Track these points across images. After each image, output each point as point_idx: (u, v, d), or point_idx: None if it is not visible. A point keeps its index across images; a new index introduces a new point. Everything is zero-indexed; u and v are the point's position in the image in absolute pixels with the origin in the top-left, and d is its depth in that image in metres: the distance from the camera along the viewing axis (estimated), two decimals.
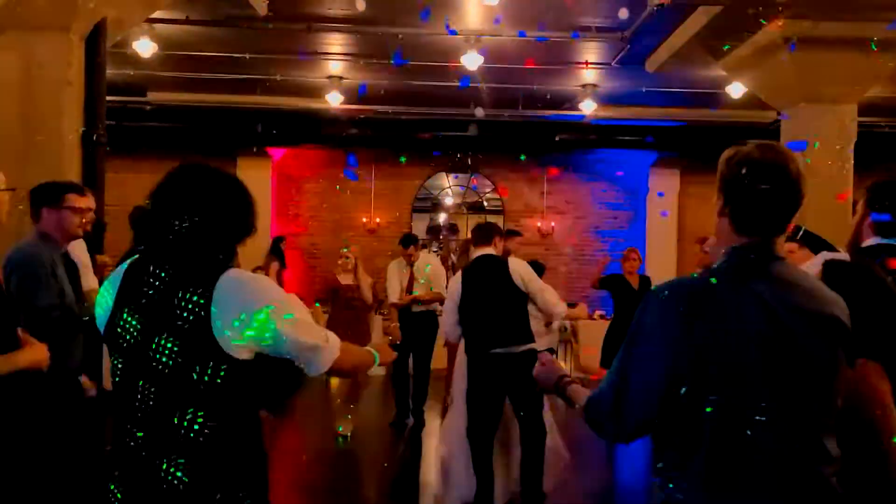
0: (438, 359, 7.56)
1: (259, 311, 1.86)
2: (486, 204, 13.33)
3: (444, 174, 13.17)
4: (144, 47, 7.59)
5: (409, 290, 7.51)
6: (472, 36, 7.77)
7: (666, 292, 1.79)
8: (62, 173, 4.88)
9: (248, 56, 8.54)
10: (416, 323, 7.41)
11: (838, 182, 7.06)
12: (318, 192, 12.74)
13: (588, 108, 10.02)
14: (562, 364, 9.89)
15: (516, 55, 8.37)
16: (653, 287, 1.92)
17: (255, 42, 8.18)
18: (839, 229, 6.78)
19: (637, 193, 12.99)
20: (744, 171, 1.81)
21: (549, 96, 10.05)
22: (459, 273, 5.27)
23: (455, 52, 8.09)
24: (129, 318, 1.93)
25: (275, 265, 7.97)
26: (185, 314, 1.86)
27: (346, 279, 7.20)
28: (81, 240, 4.00)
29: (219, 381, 1.88)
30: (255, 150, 11.64)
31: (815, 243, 3.58)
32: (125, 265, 2.01)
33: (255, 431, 1.99)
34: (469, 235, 6.04)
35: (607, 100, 10.38)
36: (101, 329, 2.00)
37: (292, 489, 5.54)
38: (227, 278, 1.90)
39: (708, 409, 1.70)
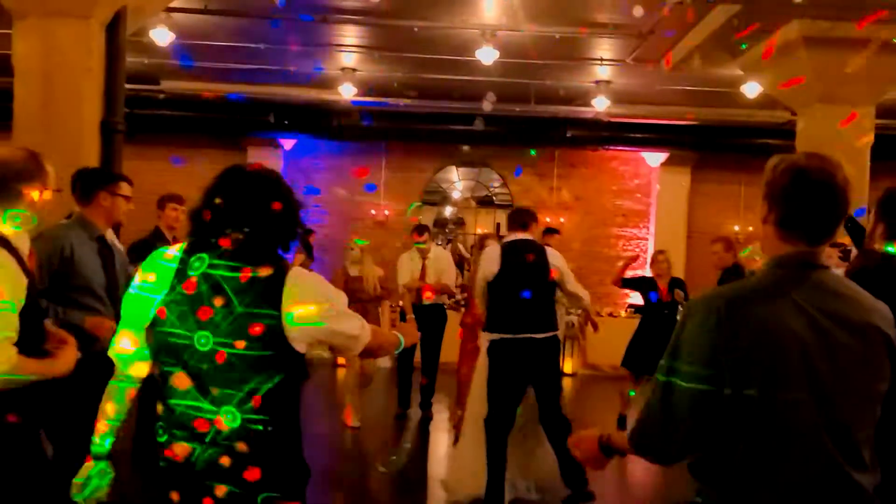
0: (445, 352, 7.61)
1: (317, 305, 2.00)
2: (495, 198, 13.33)
3: (453, 167, 13.16)
4: (161, 36, 7.59)
5: (423, 277, 7.53)
6: (487, 30, 7.76)
7: (707, 303, 1.80)
8: (81, 160, 4.89)
9: (262, 46, 8.54)
10: (425, 315, 7.41)
11: (854, 185, 7.04)
12: (328, 184, 12.74)
13: (601, 104, 10.00)
14: (568, 360, 9.87)
15: (531, 50, 8.36)
16: (690, 298, 1.94)
17: (270, 33, 8.17)
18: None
19: (647, 191, 12.98)
20: (790, 178, 1.81)
21: (561, 92, 10.04)
22: (494, 250, 5.13)
23: (470, 46, 8.09)
24: (188, 315, 2.00)
25: (300, 257, 7.96)
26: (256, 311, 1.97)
27: (354, 270, 7.20)
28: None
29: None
30: (265, 140, 11.67)
31: (858, 235, 3.55)
32: (178, 257, 2.07)
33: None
34: (478, 230, 6.04)
35: (620, 97, 10.36)
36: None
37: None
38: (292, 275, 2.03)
39: (747, 414, 1.72)
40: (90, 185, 3.71)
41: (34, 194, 2.53)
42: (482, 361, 5.29)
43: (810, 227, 1.81)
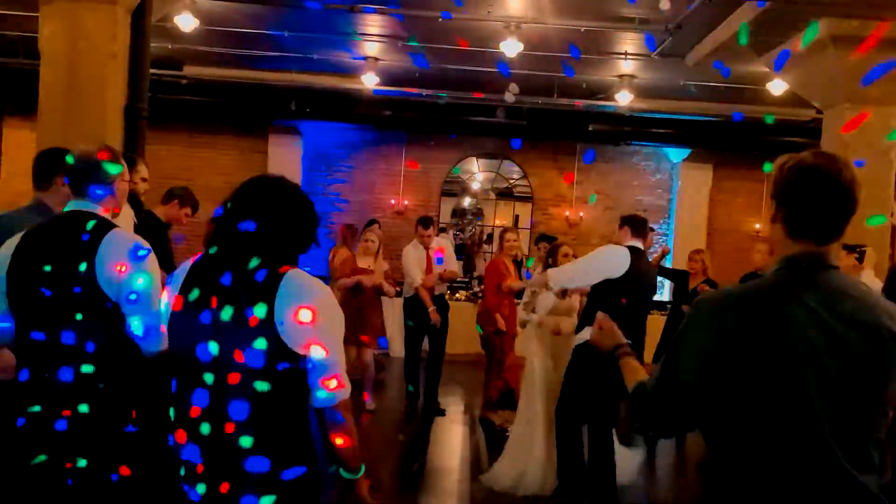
0: (451, 344, 7.63)
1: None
2: (514, 191, 13.30)
3: (473, 159, 13.14)
4: (186, 22, 7.61)
5: (429, 270, 7.44)
6: (512, 22, 7.72)
7: (714, 299, 1.84)
8: None
9: (286, 34, 8.55)
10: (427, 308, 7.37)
11: (880, 184, 6.97)
12: (348, 172, 12.77)
13: (624, 99, 9.94)
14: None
15: (555, 43, 8.32)
16: (700, 294, 1.95)
17: (295, 20, 8.19)
18: (878, 232, 6.74)
19: (668, 187, 12.90)
20: (797, 176, 1.82)
21: (585, 85, 9.98)
22: (623, 251, 4.83)
23: (494, 39, 8.05)
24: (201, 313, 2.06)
25: (343, 251, 7.99)
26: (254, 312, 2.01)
27: (364, 262, 7.14)
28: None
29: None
30: (286, 126, 11.70)
31: None
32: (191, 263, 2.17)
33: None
34: (497, 222, 6.02)
35: (644, 92, 10.29)
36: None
37: None
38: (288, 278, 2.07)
39: (751, 415, 1.73)
40: (48, 168, 3.27)
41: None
42: (533, 365, 5.34)
43: (817, 226, 1.81)
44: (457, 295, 10.67)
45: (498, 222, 13.33)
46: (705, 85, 9.69)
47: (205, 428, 2.01)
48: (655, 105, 10.91)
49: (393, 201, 12.72)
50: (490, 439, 6.55)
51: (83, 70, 5.20)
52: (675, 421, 1.85)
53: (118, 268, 2.47)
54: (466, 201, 13.59)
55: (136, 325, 2.48)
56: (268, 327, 1.98)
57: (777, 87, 8.78)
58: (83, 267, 2.45)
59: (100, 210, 2.62)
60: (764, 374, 1.71)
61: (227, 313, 2.00)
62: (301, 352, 2.02)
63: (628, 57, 8.96)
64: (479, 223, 13.57)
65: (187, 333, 2.05)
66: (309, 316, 1.99)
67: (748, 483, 1.75)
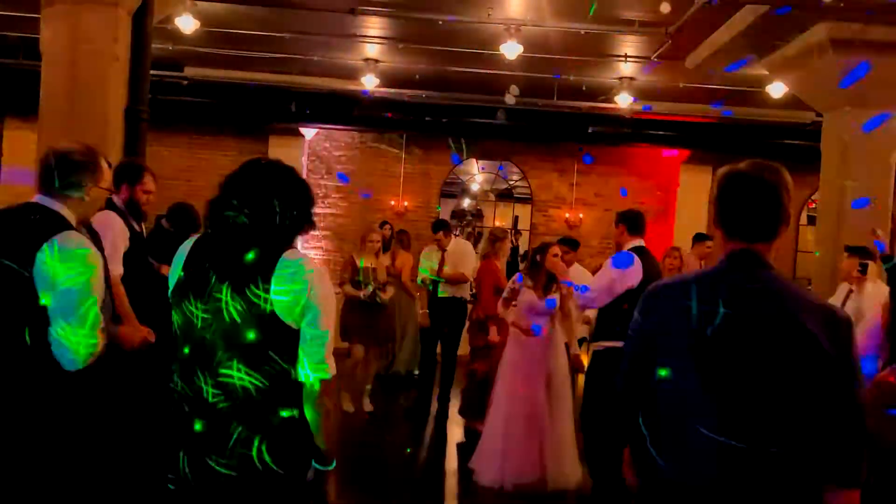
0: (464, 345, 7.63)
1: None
2: (514, 192, 13.30)
3: (473, 160, 13.14)
4: (187, 24, 7.62)
5: (440, 273, 7.58)
6: (512, 24, 7.72)
7: (653, 287, 2.17)
8: (106, 146, 4.94)
9: (287, 36, 8.56)
10: (444, 309, 7.44)
11: (880, 188, 6.98)
12: (347, 174, 12.77)
13: (623, 101, 9.94)
14: (584, 357, 9.83)
15: (555, 45, 8.32)
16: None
17: (295, 22, 8.19)
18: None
19: (667, 189, 12.90)
20: (721, 181, 2.05)
21: (584, 88, 9.99)
22: (637, 263, 4.83)
23: (495, 41, 8.06)
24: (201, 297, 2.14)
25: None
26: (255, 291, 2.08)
27: (366, 262, 7.14)
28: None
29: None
30: (287, 128, 11.70)
31: None
32: (190, 243, 2.23)
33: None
34: (496, 223, 6.05)
35: (643, 94, 10.29)
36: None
37: None
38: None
39: (658, 392, 2.02)
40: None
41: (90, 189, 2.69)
42: (507, 359, 5.39)
43: (740, 224, 1.99)
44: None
45: (498, 223, 13.34)
46: (705, 87, 9.69)
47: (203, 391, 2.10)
48: (655, 107, 10.91)
49: (393, 202, 12.72)
50: None
51: (84, 72, 5.20)
52: (625, 385, 2.18)
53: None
54: (466, 202, 13.59)
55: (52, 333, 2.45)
56: (263, 306, 2.05)
57: (777, 90, 8.79)
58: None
59: (60, 208, 2.60)
60: (659, 353, 2.02)
61: (224, 292, 2.07)
62: (294, 327, 2.09)
63: (628, 59, 8.96)
64: (480, 224, 13.58)
65: (187, 313, 2.13)
66: (303, 294, 2.07)
67: (649, 455, 2.03)
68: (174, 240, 2.56)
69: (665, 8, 6.75)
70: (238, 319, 2.04)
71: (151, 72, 5.74)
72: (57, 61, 5.25)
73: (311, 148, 12.56)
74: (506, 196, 13.40)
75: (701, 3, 6.11)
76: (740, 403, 1.89)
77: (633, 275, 4.79)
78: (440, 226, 7.84)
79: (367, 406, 7.24)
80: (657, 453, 1.99)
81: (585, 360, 10.22)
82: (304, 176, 11.85)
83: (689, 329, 1.93)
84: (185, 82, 10.54)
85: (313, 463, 2.20)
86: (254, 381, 2.04)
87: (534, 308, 5.54)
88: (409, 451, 6.35)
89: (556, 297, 5.61)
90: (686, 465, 1.94)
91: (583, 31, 7.72)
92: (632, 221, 5.04)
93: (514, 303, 5.74)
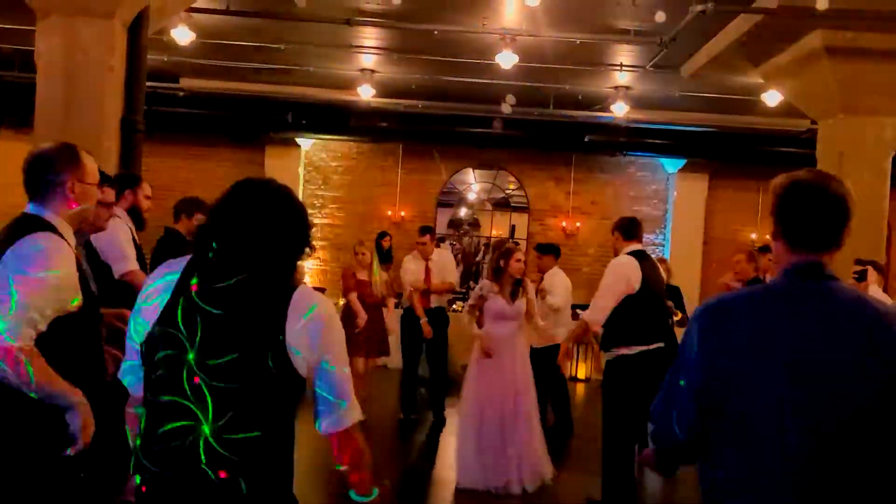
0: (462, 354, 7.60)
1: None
2: (511, 201, 13.31)
3: (470, 169, 13.16)
4: (182, 35, 7.63)
5: (428, 282, 7.44)
6: (508, 34, 7.75)
7: (700, 310, 1.98)
8: (101, 158, 4.89)
9: (282, 46, 8.58)
10: (429, 319, 7.35)
11: (875, 195, 6.99)
12: (344, 184, 12.78)
13: (619, 110, 9.97)
14: (581, 364, 9.81)
15: (551, 55, 8.35)
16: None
17: (291, 33, 8.21)
18: (873, 242, 6.75)
19: (664, 197, 12.92)
20: (786, 191, 1.94)
21: (580, 97, 10.02)
22: (633, 262, 4.89)
23: (490, 50, 8.08)
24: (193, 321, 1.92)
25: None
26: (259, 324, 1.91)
27: (362, 274, 7.15)
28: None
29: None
30: (283, 139, 11.71)
31: None
32: (182, 267, 2.00)
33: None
34: (493, 232, 6.07)
35: (639, 103, 10.33)
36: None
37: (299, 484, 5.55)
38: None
39: (728, 419, 1.84)
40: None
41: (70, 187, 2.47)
42: (474, 364, 5.52)
43: (811, 237, 1.90)
44: (454, 306, 10.65)
45: (494, 233, 13.34)
46: (700, 96, 9.73)
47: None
48: (650, 116, 10.95)
49: (390, 212, 12.72)
50: None
51: (80, 83, 5.19)
52: (682, 424, 1.94)
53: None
54: (463, 212, 13.60)
55: None
56: (270, 342, 1.87)
57: (772, 98, 8.82)
58: None
59: (46, 213, 2.46)
60: (736, 379, 1.83)
61: (214, 324, 1.88)
62: (304, 372, 1.93)
63: (624, 69, 8.99)
64: (477, 234, 13.58)
65: (171, 342, 1.91)
66: (316, 332, 1.92)
67: (722, 486, 1.86)
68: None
69: (660, 17, 6.79)
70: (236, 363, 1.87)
71: (147, 83, 5.73)
72: (52, 73, 5.23)
73: (307, 158, 12.57)
74: (502, 205, 13.41)
75: (695, 11, 6.12)
76: (828, 432, 1.76)
77: (635, 278, 4.82)
78: (428, 230, 7.64)
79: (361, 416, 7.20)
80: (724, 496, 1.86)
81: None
82: (301, 187, 11.88)
83: (773, 351, 1.80)
84: (181, 93, 10.56)
85: (352, 494, 2.09)
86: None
87: (502, 314, 5.57)
88: (400, 462, 6.33)
89: (522, 301, 5.68)
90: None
91: (578, 41, 7.75)
92: (625, 228, 5.10)
93: (478, 311, 5.73)
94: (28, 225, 2.40)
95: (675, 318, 7.09)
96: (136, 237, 4.79)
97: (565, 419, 7.37)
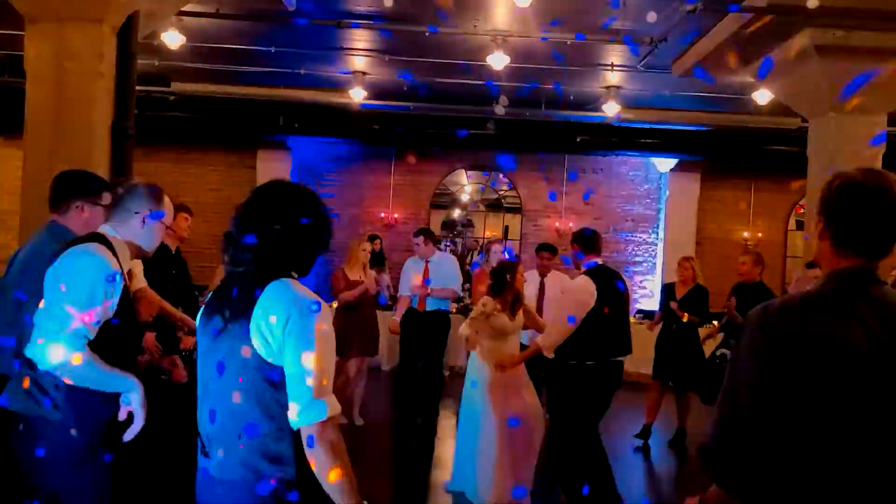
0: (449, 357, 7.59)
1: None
2: (504, 202, 13.32)
3: (462, 171, 13.16)
4: (173, 39, 7.61)
5: (421, 284, 7.35)
6: (499, 36, 7.74)
7: (762, 314, 1.80)
8: (92, 163, 4.91)
9: (273, 49, 8.56)
10: (427, 322, 7.31)
11: None
12: (337, 187, 12.77)
13: (611, 110, 9.98)
14: None
15: (542, 55, 8.35)
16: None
17: (282, 36, 8.20)
18: None
19: (657, 197, 12.95)
20: (845, 193, 1.83)
21: (572, 97, 10.03)
22: (588, 283, 4.96)
23: (481, 52, 8.08)
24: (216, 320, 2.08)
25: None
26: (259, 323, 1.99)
27: (354, 275, 7.11)
28: None
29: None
30: (275, 141, 11.69)
31: None
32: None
33: None
34: (487, 233, 6.03)
35: (630, 102, 10.34)
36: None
37: None
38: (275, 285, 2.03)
39: (802, 426, 1.71)
40: (65, 190, 3.18)
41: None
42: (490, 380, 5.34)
43: (866, 242, 1.82)
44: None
45: (488, 234, 13.35)
46: (692, 95, 9.75)
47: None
48: (642, 115, 10.95)
49: (383, 214, 12.72)
50: None
51: (70, 89, 5.16)
52: (758, 441, 1.74)
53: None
54: (456, 213, 13.61)
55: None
56: (246, 338, 1.96)
57: (763, 96, 8.84)
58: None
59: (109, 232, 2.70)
60: (809, 384, 1.69)
61: (221, 325, 2.03)
62: (278, 362, 1.97)
63: (615, 68, 9.00)
64: (472, 235, 13.58)
65: (205, 350, 2.09)
66: (282, 324, 1.95)
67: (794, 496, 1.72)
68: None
69: (651, 17, 6.80)
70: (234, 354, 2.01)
71: (138, 87, 5.70)
72: (42, 78, 5.20)
73: (299, 161, 12.55)
74: (495, 206, 13.41)
75: (685, 11, 6.13)
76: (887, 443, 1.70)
77: (590, 296, 4.90)
78: (422, 232, 7.54)
79: (358, 420, 7.19)
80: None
81: None
82: None
83: (848, 358, 1.69)
84: (172, 97, 10.52)
85: None
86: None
87: (504, 331, 5.36)
88: (394, 464, 6.31)
89: (521, 314, 5.44)
90: None
91: (569, 41, 7.75)
92: (584, 243, 5.14)
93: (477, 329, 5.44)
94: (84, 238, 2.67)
95: (684, 320, 7.10)
96: None
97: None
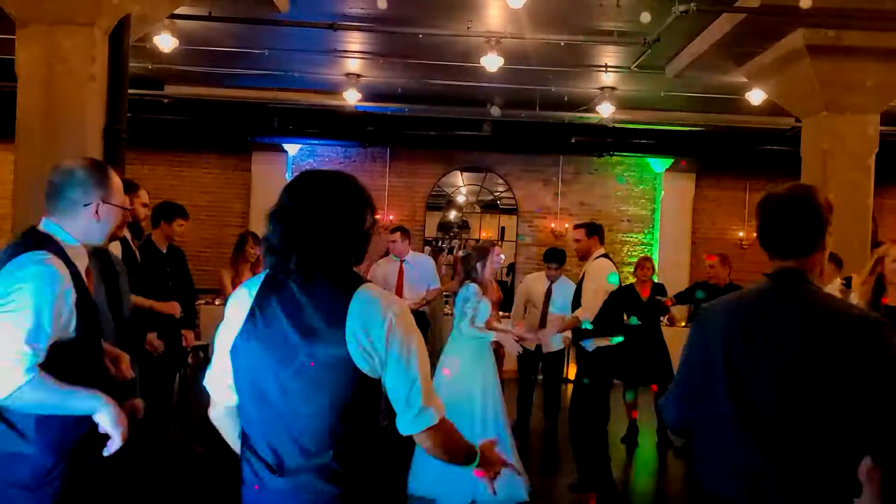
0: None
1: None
2: (499, 203, 13.31)
3: (458, 172, 13.15)
4: (165, 42, 7.59)
5: (399, 287, 7.15)
6: (492, 37, 7.74)
7: (706, 308, 2.20)
8: None
9: (266, 52, 8.55)
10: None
11: (860, 192, 7.02)
12: None
13: (605, 111, 9.98)
14: (572, 365, 9.79)
15: (536, 56, 8.35)
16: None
17: (275, 38, 8.19)
18: (859, 239, 6.78)
19: (651, 197, 12.95)
20: (760, 202, 2.12)
21: (566, 98, 10.03)
22: (609, 263, 5.71)
23: (475, 53, 8.08)
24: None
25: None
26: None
27: None
28: None
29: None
30: (270, 145, 11.67)
31: None
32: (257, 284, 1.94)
33: None
34: (483, 234, 6.32)
35: (624, 103, 10.34)
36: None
37: None
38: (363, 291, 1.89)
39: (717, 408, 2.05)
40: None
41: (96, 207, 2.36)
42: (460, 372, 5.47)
43: (777, 242, 2.07)
44: (444, 310, 10.62)
45: (484, 235, 13.34)
46: (685, 95, 9.75)
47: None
48: (636, 116, 10.96)
49: (378, 216, 12.68)
50: None
51: (61, 93, 5.16)
52: (684, 406, 2.19)
53: None
54: (452, 215, 13.59)
55: None
56: (339, 346, 1.81)
57: (756, 96, 8.85)
58: None
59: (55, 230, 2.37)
60: (709, 371, 2.05)
61: (293, 333, 1.84)
62: (375, 374, 1.87)
63: (609, 70, 9.00)
64: (467, 236, 13.56)
65: (257, 357, 1.88)
66: (382, 335, 1.83)
67: (699, 469, 2.14)
68: None
69: (644, 17, 6.81)
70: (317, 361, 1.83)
71: (131, 91, 5.70)
72: (33, 82, 5.20)
73: (294, 163, 12.53)
74: (491, 207, 13.40)
75: (678, 12, 6.14)
76: (774, 428, 1.95)
77: (615, 278, 5.62)
78: (398, 229, 7.33)
79: None
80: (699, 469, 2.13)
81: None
82: None
83: (724, 350, 2.03)
84: (166, 100, 10.50)
85: None
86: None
87: (489, 320, 5.64)
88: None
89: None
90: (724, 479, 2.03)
91: (562, 43, 7.75)
92: (600, 232, 5.92)
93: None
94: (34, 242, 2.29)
95: (668, 305, 7.31)
96: (133, 245, 4.78)
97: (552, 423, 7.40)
